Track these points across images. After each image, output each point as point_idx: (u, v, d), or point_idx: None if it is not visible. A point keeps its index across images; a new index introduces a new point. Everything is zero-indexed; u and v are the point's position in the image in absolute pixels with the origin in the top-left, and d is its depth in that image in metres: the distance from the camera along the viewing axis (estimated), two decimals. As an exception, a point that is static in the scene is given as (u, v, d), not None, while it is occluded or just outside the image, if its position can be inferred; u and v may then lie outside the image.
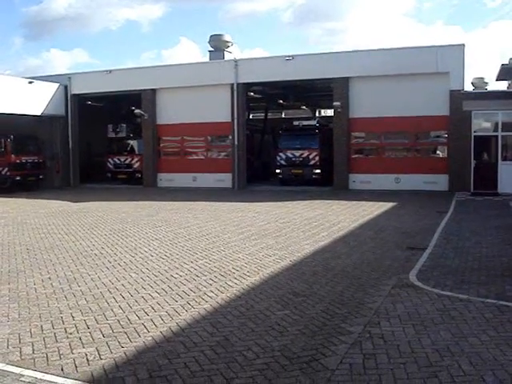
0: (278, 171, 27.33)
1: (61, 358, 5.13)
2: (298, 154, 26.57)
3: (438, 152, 24.72)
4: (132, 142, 30.50)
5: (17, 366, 4.94)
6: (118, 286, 7.80)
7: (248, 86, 27.60)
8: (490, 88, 29.31)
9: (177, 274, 8.57)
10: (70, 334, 5.81)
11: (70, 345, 5.48)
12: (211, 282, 8.02)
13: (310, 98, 35.83)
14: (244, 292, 7.44)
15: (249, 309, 6.64)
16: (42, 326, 6.05)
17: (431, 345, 5.35)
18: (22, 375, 4.75)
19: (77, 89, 29.87)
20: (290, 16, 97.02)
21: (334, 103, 24.89)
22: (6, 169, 25.99)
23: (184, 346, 5.42)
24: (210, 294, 7.32)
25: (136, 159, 29.87)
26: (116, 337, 5.70)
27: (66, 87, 29.77)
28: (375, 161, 25.00)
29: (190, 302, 6.95)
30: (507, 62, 21.85)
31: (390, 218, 15.14)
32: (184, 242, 11.56)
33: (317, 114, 40.29)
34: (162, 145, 29.38)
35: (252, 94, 29.91)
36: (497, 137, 22.25)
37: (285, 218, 15.28)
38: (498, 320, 6.07)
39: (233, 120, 26.76)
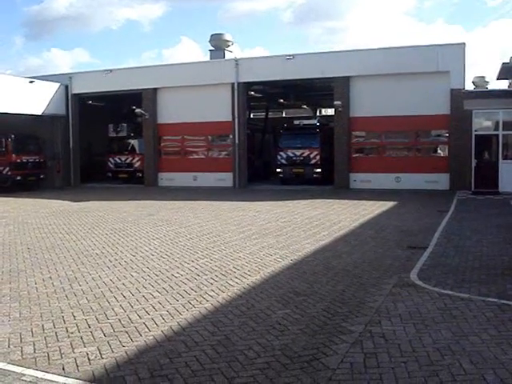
0: (278, 170, 27.34)
1: (62, 358, 5.14)
2: (298, 153, 26.57)
3: (438, 151, 24.71)
4: (133, 142, 30.51)
5: (18, 366, 4.94)
6: (118, 286, 7.80)
7: (249, 85, 27.60)
8: (490, 87, 29.36)
9: (178, 273, 8.57)
10: (71, 333, 5.82)
11: (71, 344, 5.48)
12: (212, 281, 8.02)
13: (310, 97, 35.83)
14: (245, 291, 7.44)
15: (250, 308, 6.65)
16: (43, 326, 6.05)
17: (432, 344, 5.35)
18: (24, 374, 4.76)
19: (77, 88, 29.89)
20: (290, 15, 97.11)
21: (335, 102, 24.89)
22: (7, 168, 26.01)
23: (185, 345, 5.43)
24: (211, 293, 7.32)
25: (137, 158, 29.88)
26: (117, 336, 5.71)
27: (66, 87, 29.78)
28: (376, 160, 25.00)
29: (191, 301, 6.95)
30: (508, 61, 21.85)
31: (391, 217, 15.14)
32: (185, 241, 11.56)
33: (317, 113, 40.30)
34: (162, 144, 29.39)
35: (253, 93, 29.90)
36: (497, 136, 22.22)
37: (285, 217, 15.29)
38: (498, 319, 6.07)
39: (233, 119, 26.77)
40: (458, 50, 22.92)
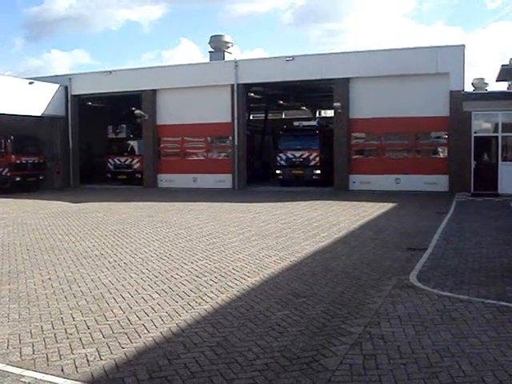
0: (278, 172, 27.37)
1: (61, 359, 5.13)
2: (298, 154, 26.59)
3: (438, 153, 24.73)
4: (132, 143, 30.53)
5: (17, 367, 4.93)
6: (118, 287, 7.80)
7: (248, 87, 27.63)
8: (490, 89, 29.32)
9: (177, 274, 8.57)
10: (70, 334, 5.81)
11: (70, 345, 5.48)
12: (211, 282, 8.02)
13: (310, 99, 35.86)
14: (244, 293, 7.43)
15: (249, 309, 6.64)
16: (42, 327, 6.05)
17: (431, 345, 5.35)
18: (23, 376, 4.75)
19: (77, 89, 29.92)
20: (290, 17, 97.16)
21: (335, 104, 24.92)
22: (7, 169, 26.02)
23: (184, 347, 5.42)
24: (211, 295, 7.31)
25: (136, 160, 29.89)
26: (116, 337, 5.70)
27: (66, 88, 29.81)
28: (375, 161, 25.03)
29: (191, 303, 6.95)
30: (507, 63, 21.88)
31: (390, 218, 15.15)
32: (184, 242, 11.56)
33: (317, 115, 40.32)
34: (162, 145, 29.41)
35: (252, 94, 29.94)
36: (497, 137, 22.23)
37: (285, 218, 15.29)
38: (498, 320, 6.07)
39: (233, 121, 26.79)
40: (457, 52, 22.96)
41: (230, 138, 27.23)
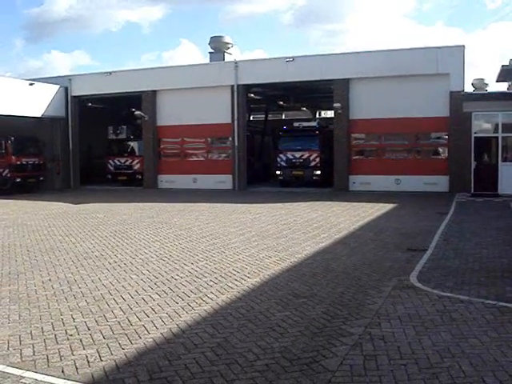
0: (278, 173, 27.37)
1: (61, 360, 5.14)
2: (298, 155, 26.60)
3: (438, 153, 24.73)
4: (132, 144, 30.54)
5: (17, 368, 4.93)
6: (118, 288, 7.80)
7: (248, 88, 27.64)
8: (490, 89, 29.33)
9: (177, 275, 8.57)
10: (71, 335, 5.82)
11: (70, 346, 5.48)
12: (212, 283, 8.02)
13: (310, 100, 35.86)
14: (244, 293, 7.44)
15: (249, 310, 6.64)
16: (42, 328, 6.05)
17: (432, 346, 5.35)
18: (23, 377, 4.75)
19: (77, 90, 29.93)
20: (291, 17, 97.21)
21: (334, 104, 24.92)
22: (7, 170, 26.04)
23: (184, 348, 5.42)
24: (211, 296, 7.32)
25: (136, 161, 29.90)
26: (116, 338, 5.71)
27: (66, 89, 29.82)
28: (375, 162, 25.02)
29: (191, 304, 6.95)
30: (507, 63, 21.90)
31: (391, 219, 15.15)
32: (184, 243, 11.56)
33: (317, 116, 40.32)
34: (162, 146, 29.42)
35: (252, 95, 29.94)
36: (497, 138, 22.23)
37: (285, 219, 15.29)
38: (498, 321, 6.07)
39: (233, 121, 26.79)
40: (457, 53, 22.97)
41: (230, 138, 27.24)
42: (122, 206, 19.53)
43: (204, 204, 19.95)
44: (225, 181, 27.23)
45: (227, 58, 30.50)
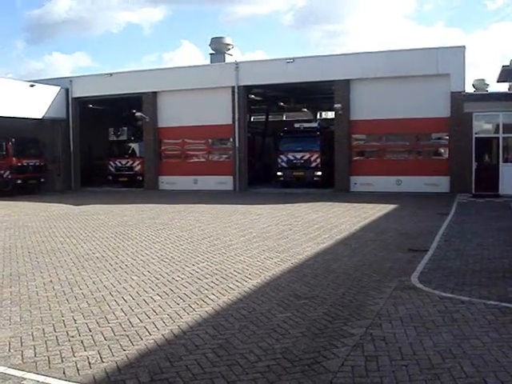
0: (279, 173, 27.37)
1: (63, 361, 5.14)
2: (299, 156, 26.61)
3: (439, 154, 24.72)
4: (133, 145, 30.56)
5: (19, 370, 4.93)
6: (119, 289, 7.80)
7: (249, 89, 27.64)
8: (490, 90, 29.37)
9: (178, 276, 8.57)
10: (72, 337, 5.82)
11: (71, 348, 5.48)
12: (213, 284, 8.02)
13: (310, 101, 35.88)
14: (245, 294, 7.43)
15: (250, 311, 6.64)
16: (43, 329, 6.05)
17: (433, 347, 5.34)
18: (24, 378, 4.75)
19: (78, 92, 29.95)
20: (291, 19, 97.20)
21: (335, 105, 24.92)
22: (8, 172, 26.06)
23: (186, 349, 5.42)
24: (212, 297, 7.32)
25: (137, 162, 29.91)
26: (118, 340, 5.71)
27: (67, 90, 29.84)
28: (376, 163, 25.01)
29: (192, 305, 6.95)
30: (508, 64, 21.88)
31: (392, 220, 15.14)
32: (185, 244, 11.56)
33: (318, 117, 40.31)
34: (163, 147, 29.44)
35: (253, 96, 29.96)
36: (498, 138, 22.24)
37: (286, 220, 15.29)
38: (499, 322, 6.07)
39: (234, 122, 26.80)
40: (458, 53, 22.97)
41: (231, 139, 27.25)
42: (122, 208, 19.54)
43: (205, 205, 19.96)
44: (226, 182, 27.23)
45: (228, 59, 30.54)
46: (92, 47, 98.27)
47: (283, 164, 26.98)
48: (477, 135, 22.30)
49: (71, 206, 20.42)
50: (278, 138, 29.14)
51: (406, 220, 15.00)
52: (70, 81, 30.12)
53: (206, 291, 7.62)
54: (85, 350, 5.41)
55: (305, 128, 28.01)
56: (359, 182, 24.90)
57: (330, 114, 36.80)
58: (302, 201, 20.83)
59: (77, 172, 30.52)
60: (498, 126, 22.41)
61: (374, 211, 17.08)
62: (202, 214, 17.07)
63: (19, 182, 26.15)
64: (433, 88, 23.32)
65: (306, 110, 39.43)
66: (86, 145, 31.62)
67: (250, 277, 8.46)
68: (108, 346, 5.54)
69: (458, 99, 22.37)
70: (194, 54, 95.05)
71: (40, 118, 27.94)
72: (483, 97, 24.18)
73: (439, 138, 24.66)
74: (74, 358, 5.20)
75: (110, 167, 30.48)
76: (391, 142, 25.14)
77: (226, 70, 27.24)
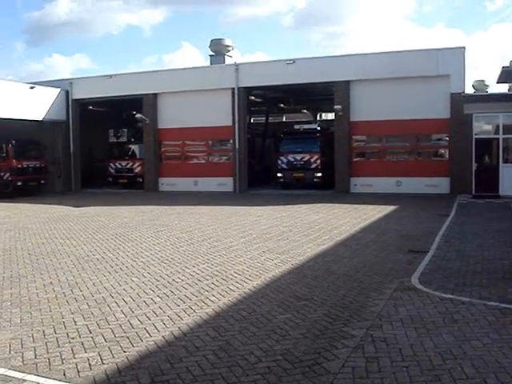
0: (279, 175, 27.37)
1: (63, 363, 5.14)
2: (299, 157, 26.61)
3: (439, 155, 24.72)
4: (133, 147, 30.56)
5: (19, 371, 4.94)
6: (119, 291, 7.80)
7: (249, 90, 27.65)
8: (490, 91, 29.40)
9: (178, 278, 8.57)
10: (72, 338, 5.82)
11: (72, 350, 5.48)
12: (213, 286, 8.02)
13: (310, 102, 35.89)
14: (246, 296, 7.43)
15: (251, 313, 6.64)
16: (44, 331, 6.05)
17: (433, 348, 5.34)
18: (25, 380, 4.76)
19: (78, 94, 29.96)
20: (291, 20, 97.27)
21: (335, 106, 24.91)
22: (8, 174, 26.05)
23: (186, 351, 5.42)
24: (212, 298, 7.32)
25: (137, 164, 29.91)
26: (118, 341, 5.71)
27: (67, 92, 29.85)
28: (376, 164, 25.01)
29: (192, 307, 6.95)
30: (508, 65, 21.87)
31: (392, 221, 15.14)
32: (186, 246, 11.57)
33: (318, 118, 40.35)
34: (163, 149, 29.44)
35: (253, 97, 29.97)
36: (498, 139, 22.25)
37: (286, 221, 15.28)
38: (500, 323, 6.07)
39: (234, 124, 26.80)
40: (458, 54, 22.97)
41: (231, 141, 27.24)
42: (122, 209, 19.54)
43: (205, 207, 19.96)
44: (226, 183, 27.22)
45: (228, 60, 30.54)
46: (92, 49, 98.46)
47: (283, 165, 26.98)
48: (477, 136, 22.31)
49: (71, 208, 20.42)
50: (278, 140, 29.15)
51: (406, 221, 15.00)
52: (70, 83, 30.14)
53: (206, 293, 7.62)
54: (85, 352, 5.41)
55: (305, 129, 28.03)
56: (359, 183, 24.90)
57: (330, 116, 36.83)
58: (302, 202, 20.83)
59: (77, 174, 30.52)
60: (497, 126, 22.42)
61: (374, 212, 17.08)
62: (202, 216, 17.07)
63: (19, 183, 26.14)
64: (433, 89, 23.33)
65: (306, 111, 39.46)
66: (86, 146, 31.63)
67: (250, 278, 8.46)
68: (108, 347, 5.53)
69: (458, 100, 22.39)
70: (194, 56, 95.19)
71: (40, 119, 27.95)
72: (483, 98, 24.19)
73: (439, 139, 24.66)
74: (74, 360, 5.20)
75: (110, 169, 30.48)
76: (391, 143, 25.14)
77: (226, 71, 27.25)
